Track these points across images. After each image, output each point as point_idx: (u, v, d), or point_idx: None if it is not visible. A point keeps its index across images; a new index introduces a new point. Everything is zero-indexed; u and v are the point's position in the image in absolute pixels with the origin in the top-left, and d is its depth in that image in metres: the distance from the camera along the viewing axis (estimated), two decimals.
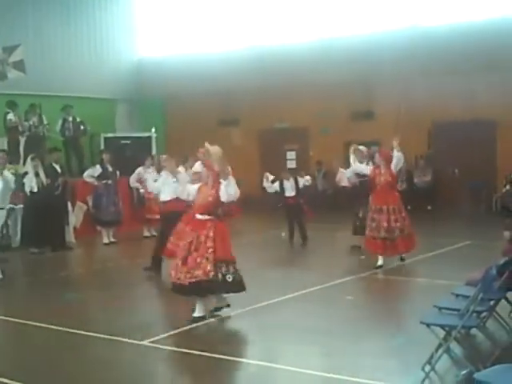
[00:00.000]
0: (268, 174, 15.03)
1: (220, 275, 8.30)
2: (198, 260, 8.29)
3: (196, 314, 8.46)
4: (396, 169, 11.98)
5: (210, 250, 8.30)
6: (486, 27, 19.94)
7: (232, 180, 8.79)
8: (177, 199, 10.27)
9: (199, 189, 8.72)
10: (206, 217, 8.50)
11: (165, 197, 11.45)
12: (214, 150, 8.65)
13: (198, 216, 8.57)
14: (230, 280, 8.39)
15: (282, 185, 14.88)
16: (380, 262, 11.72)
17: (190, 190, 8.85)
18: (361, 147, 12.89)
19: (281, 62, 22.61)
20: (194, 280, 8.24)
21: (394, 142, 11.83)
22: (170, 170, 10.32)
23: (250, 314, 8.92)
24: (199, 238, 8.38)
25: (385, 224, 11.64)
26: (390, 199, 11.83)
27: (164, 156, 12.05)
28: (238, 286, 8.53)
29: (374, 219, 11.80)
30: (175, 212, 10.91)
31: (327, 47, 21.99)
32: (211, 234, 8.37)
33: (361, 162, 12.70)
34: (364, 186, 12.67)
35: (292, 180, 14.95)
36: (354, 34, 22.07)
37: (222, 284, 8.36)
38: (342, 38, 22.10)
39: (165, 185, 11.36)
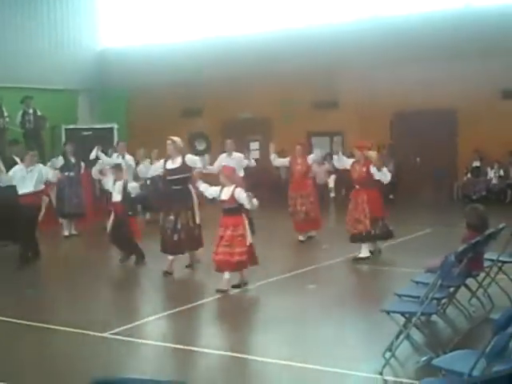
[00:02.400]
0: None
1: (375, 229, 11.50)
2: (357, 216, 11.51)
3: (362, 255, 11.47)
4: (312, 161, 13.66)
5: (367, 210, 11.42)
6: (447, 16, 20.14)
7: None
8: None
9: (353, 166, 11.71)
10: (360, 187, 11.58)
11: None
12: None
13: (357, 186, 11.69)
14: (378, 232, 11.56)
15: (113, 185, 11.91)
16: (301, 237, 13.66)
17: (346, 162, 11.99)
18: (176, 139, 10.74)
19: (244, 52, 22.59)
20: (356, 232, 11.55)
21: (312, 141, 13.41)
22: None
23: (212, 304, 8.93)
24: (357, 201, 11.57)
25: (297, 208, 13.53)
26: (303, 186, 13.55)
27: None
28: (387, 234, 11.77)
29: (290, 205, 13.66)
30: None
31: (290, 37, 22.03)
32: (365, 198, 11.47)
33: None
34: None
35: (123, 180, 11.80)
36: (316, 24, 22.13)
37: (375, 234, 11.58)
38: (305, 28, 22.16)
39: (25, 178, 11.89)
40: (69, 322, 8.06)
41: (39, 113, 18.80)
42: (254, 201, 9.15)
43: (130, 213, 11.73)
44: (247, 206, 9.19)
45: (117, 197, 11.61)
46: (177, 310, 8.63)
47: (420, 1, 20.92)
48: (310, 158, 13.58)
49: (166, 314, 8.46)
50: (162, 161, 10.87)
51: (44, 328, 7.94)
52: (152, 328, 7.98)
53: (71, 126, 21.25)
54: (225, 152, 13.69)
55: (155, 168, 11.21)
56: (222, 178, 9.48)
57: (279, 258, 12.09)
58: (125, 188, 11.61)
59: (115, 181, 11.76)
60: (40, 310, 8.99)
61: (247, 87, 22.65)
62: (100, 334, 7.55)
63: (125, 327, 7.88)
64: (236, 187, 9.31)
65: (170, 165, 10.61)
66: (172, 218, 10.42)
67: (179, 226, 10.39)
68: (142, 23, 25.23)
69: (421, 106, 20.37)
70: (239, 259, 9.22)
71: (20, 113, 18.67)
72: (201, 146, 10.94)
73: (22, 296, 9.73)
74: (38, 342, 7.56)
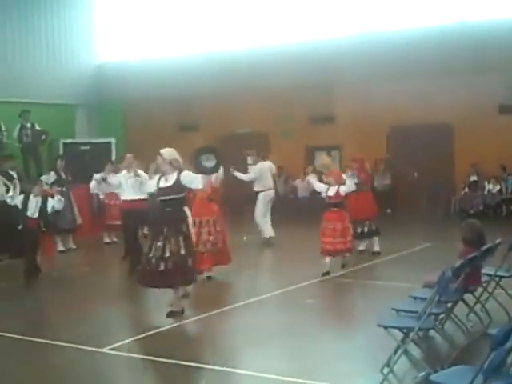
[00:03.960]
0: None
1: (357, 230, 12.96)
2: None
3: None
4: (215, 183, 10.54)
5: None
6: (443, 31, 20.24)
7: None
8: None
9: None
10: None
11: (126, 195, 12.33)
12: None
13: None
14: (359, 231, 13.13)
15: (26, 200, 11.94)
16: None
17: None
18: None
19: (240, 66, 22.66)
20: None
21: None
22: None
23: (212, 318, 8.91)
24: None
25: (193, 237, 9.94)
26: (205, 211, 11.11)
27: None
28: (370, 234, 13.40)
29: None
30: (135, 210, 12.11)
31: (287, 52, 22.10)
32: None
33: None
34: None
35: (39, 196, 11.91)
36: (312, 39, 22.21)
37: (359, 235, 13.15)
38: (301, 43, 22.23)
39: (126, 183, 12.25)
40: (65, 337, 8.03)
41: (37, 127, 18.83)
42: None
43: (44, 229, 11.80)
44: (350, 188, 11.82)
45: (34, 213, 11.68)
46: (178, 324, 8.60)
47: (416, 16, 21.03)
48: (212, 178, 9.92)
49: (166, 328, 8.43)
50: (157, 177, 9.25)
51: (40, 343, 7.92)
52: (152, 342, 7.94)
53: (69, 141, 21.29)
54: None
55: (149, 186, 9.64)
56: (330, 179, 11.70)
57: (278, 273, 12.11)
58: (43, 204, 11.72)
59: (28, 196, 11.80)
60: (36, 324, 8.99)
61: (244, 102, 22.70)
62: (98, 350, 7.53)
63: (124, 342, 7.86)
64: (340, 186, 11.63)
65: (163, 183, 9.04)
66: (160, 244, 8.85)
67: (167, 255, 8.80)
68: (140, 38, 25.32)
69: (417, 120, 20.43)
70: (349, 246, 11.80)
71: (18, 127, 18.70)
72: (209, 163, 9.02)
73: (19, 310, 9.73)
74: (33, 358, 7.53)
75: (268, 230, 15.20)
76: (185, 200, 9.18)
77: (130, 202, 12.20)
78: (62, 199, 12.25)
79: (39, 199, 11.76)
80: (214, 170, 9.20)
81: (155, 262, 8.77)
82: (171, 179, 8.91)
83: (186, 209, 9.24)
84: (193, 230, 9.83)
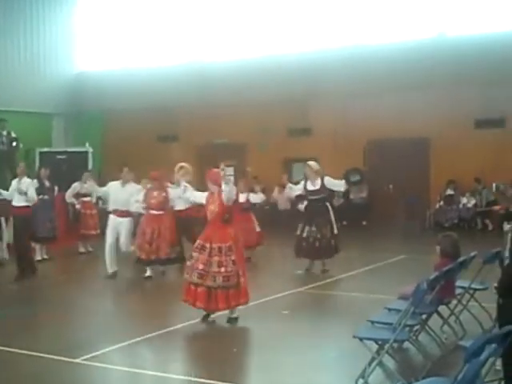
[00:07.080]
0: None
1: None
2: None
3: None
4: (228, 202, 8.95)
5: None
6: (420, 46, 20.43)
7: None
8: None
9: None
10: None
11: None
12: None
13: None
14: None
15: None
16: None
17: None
18: None
19: (220, 78, 22.70)
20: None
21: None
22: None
23: (187, 329, 8.87)
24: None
25: (200, 266, 8.81)
26: (218, 235, 8.87)
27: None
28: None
29: (192, 257, 9.02)
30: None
31: (266, 64, 22.18)
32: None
33: None
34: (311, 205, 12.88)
35: None
36: (291, 52, 22.31)
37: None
38: (281, 56, 22.33)
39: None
40: (37, 347, 7.93)
41: (13, 135, 18.71)
42: None
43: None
44: None
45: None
46: (153, 334, 8.53)
47: (394, 30, 21.19)
48: (224, 198, 8.96)
49: (140, 338, 8.35)
50: (302, 182, 12.80)
51: (11, 353, 7.80)
52: (127, 353, 7.88)
53: (45, 149, 21.18)
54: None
55: (297, 188, 12.89)
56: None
57: (254, 284, 12.07)
58: None
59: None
60: (8, 333, 8.86)
61: (223, 113, 22.72)
62: (71, 360, 7.44)
63: (99, 352, 7.77)
64: None
65: (310, 186, 12.61)
66: (314, 229, 12.53)
67: (319, 236, 12.49)
68: (119, 47, 25.28)
69: (394, 133, 20.56)
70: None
71: None
72: (354, 178, 12.50)
73: None
74: (3, 367, 7.40)
75: None
76: (328, 198, 12.93)
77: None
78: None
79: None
80: (358, 182, 13.04)
81: (312, 241, 12.52)
82: (317, 184, 12.51)
83: (328, 203, 12.78)
84: (201, 256, 8.83)
